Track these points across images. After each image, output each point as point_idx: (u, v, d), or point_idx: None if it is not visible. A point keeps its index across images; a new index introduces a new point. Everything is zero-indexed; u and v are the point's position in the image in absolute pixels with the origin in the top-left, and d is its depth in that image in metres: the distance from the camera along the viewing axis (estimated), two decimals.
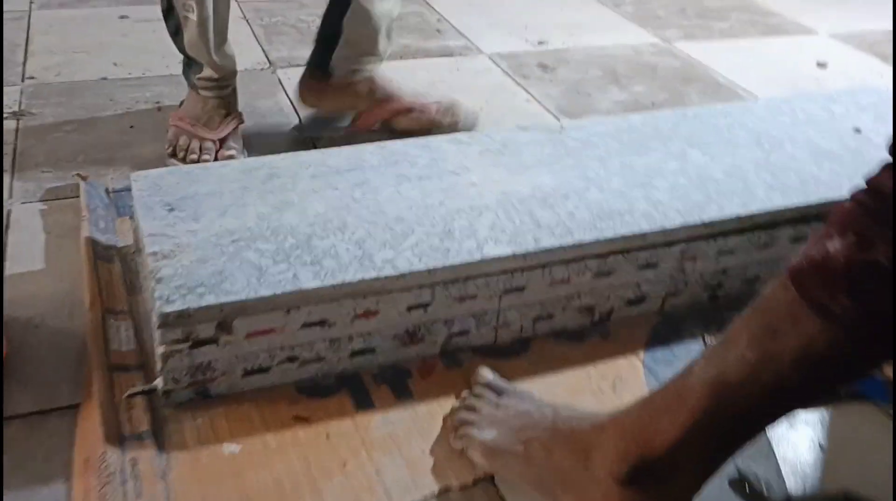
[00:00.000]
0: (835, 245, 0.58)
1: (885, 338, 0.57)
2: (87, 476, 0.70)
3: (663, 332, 0.95)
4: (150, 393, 0.79)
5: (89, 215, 1.03)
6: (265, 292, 0.76)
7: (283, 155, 1.02)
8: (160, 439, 0.75)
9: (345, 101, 1.30)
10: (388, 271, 0.80)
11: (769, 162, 1.05)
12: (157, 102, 1.35)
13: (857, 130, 1.16)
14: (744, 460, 0.76)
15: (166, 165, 1.14)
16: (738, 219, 0.94)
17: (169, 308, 0.74)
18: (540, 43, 1.75)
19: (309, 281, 0.78)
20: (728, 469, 0.75)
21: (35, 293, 0.92)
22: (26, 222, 1.04)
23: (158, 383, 0.78)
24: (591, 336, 0.93)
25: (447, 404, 0.82)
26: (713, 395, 0.63)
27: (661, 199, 0.95)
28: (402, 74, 1.42)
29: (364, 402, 0.82)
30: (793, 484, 0.76)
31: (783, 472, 0.76)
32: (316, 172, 0.98)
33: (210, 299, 0.75)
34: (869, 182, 0.60)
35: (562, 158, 1.04)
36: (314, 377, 0.84)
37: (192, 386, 0.79)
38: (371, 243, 0.84)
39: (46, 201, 1.09)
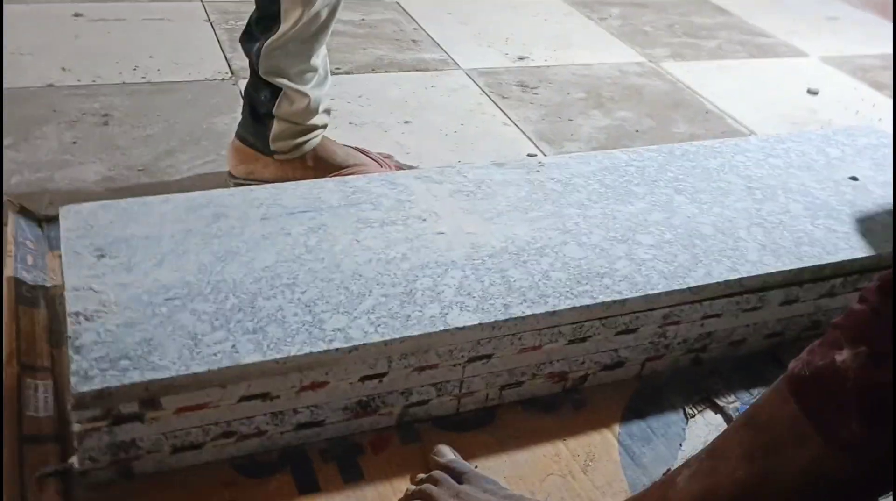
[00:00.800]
0: (844, 358, 0.51)
1: None
2: None
3: (641, 401, 0.87)
4: (64, 473, 0.70)
5: (15, 249, 0.93)
6: (198, 368, 0.67)
7: (232, 190, 0.93)
8: None
9: (285, 173, 1.13)
10: (339, 343, 0.72)
11: (761, 215, 0.98)
12: (106, 115, 1.25)
13: (854, 179, 1.09)
14: None
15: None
16: (727, 284, 0.86)
17: (85, 387, 0.65)
18: (521, 59, 1.67)
19: (249, 355, 0.69)
20: None
21: None
22: None
23: (74, 462, 0.69)
24: (564, 405, 0.85)
25: (400, 486, 0.74)
26: None
27: (645, 258, 0.88)
28: (372, 89, 1.34)
29: (308, 484, 0.73)
30: None
31: None
32: (268, 212, 0.89)
33: (134, 377, 0.66)
34: (882, 282, 0.53)
35: (540, 203, 0.96)
36: (254, 454, 0.75)
37: (114, 466, 0.70)
38: (322, 305, 0.76)
39: None
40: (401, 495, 0.73)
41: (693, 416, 0.86)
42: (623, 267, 0.86)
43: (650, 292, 0.83)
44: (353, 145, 1.18)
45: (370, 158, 1.16)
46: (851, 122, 1.56)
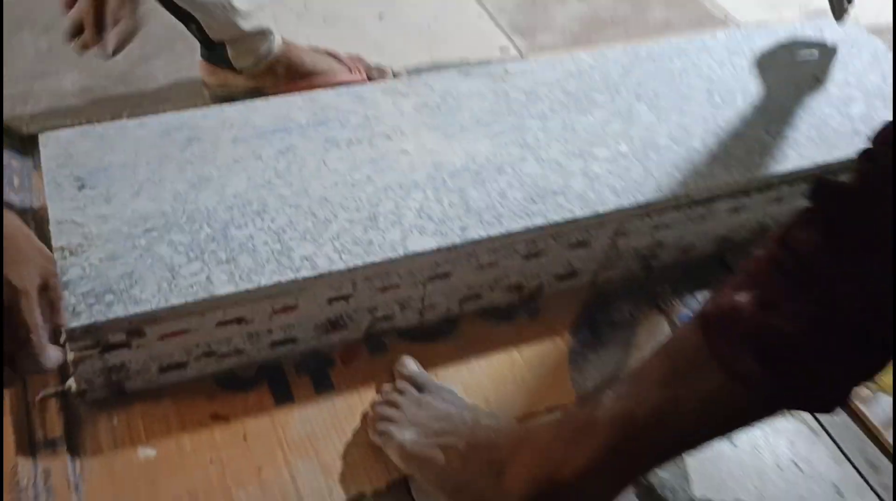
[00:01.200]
0: (741, 298, 0.57)
1: (791, 394, 0.57)
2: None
3: (592, 309, 0.94)
4: (64, 394, 0.78)
5: (2, 171, 0.97)
6: (176, 300, 0.74)
7: (205, 111, 0.96)
8: (74, 444, 0.75)
9: (257, 83, 1.15)
10: (307, 272, 0.78)
11: (717, 123, 1.01)
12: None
13: (817, 79, 1.12)
14: None
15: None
16: (675, 198, 0.91)
17: (75, 323, 0.71)
18: None
19: (223, 286, 0.75)
20: None
21: None
22: None
23: (71, 384, 0.77)
24: (520, 314, 0.93)
25: (367, 395, 0.82)
26: (619, 431, 0.63)
27: (599, 173, 0.92)
28: None
29: (284, 396, 0.82)
30: (699, 489, 0.78)
31: (691, 477, 0.78)
32: (239, 134, 0.92)
33: (118, 311, 0.72)
34: (785, 232, 0.58)
35: (502, 115, 0.99)
36: (234, 369, 0.83)
37: (107, 386, 0.78)
38: (291, 233, 0.81)
39: None
40: (368, 403, 0.81)
41: (640, 320, 0.94)
42: (577, 184, 0.90)
43: (600, 209, 0.88)
44: (322, 48, 1.19)
45: (340, 61, 1.18)
46: None
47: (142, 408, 0.79)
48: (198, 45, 1.14)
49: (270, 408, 0.80)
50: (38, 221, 0.94)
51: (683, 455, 0.78)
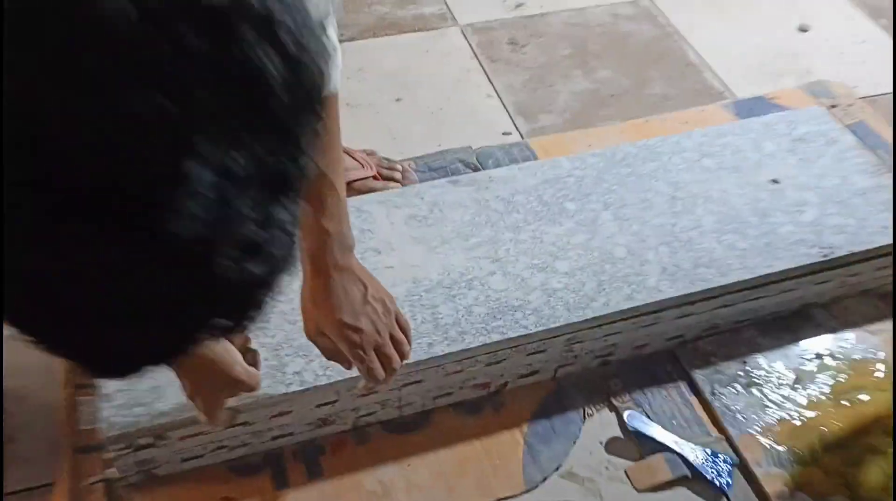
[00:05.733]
0: None
1: None
2: None
3: (549, 402, 1.09)
4: (106, 480, 0.98)
5: None
6: (191, 412, 0.93)
7: None
8: None
9: None
10: (296, 387, 0.96)
11: (674, 232, 1.14)
12: None
13: (775, 181, 1.23)
14: None
15: None
16: (621, 312, 1.05)
17: (111, 432, 0.91)
18: (517, 6, 1.76)
19: (229, 401, 0.94)
20: None
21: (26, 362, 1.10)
22: None
23: (111, 472, 0.97)
24: (486, 407, 1.08)
25: (351, 483, 1.00)
26: None
27: (556, 288, 1.07)
28: (370, 59, 1.49)
29: (282, 481, 1.00)
30: None
31: None
32: None
33: (146, 421, 0.92)
34: None
35: (480, 227, 1.14)
36: (243, 456, 1.02)
37: (140, 473, 0.98)
38: (286, 350, 0.99)
39: None
40: (350, 490, 0.99)
41: (591, 415, 1.08)
42: (535, 299, 1.05)
43: (552, 325, 1.03)
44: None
45: (354, 159, 1.34)
46: (834, 69, 1.62)
47: (168, 490, 0.98)
48: None
49: (271, 492, 0.99)
50: None
51: None
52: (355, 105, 1.51)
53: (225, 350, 0.82)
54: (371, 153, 1.38)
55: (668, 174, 1.24)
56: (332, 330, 0.84)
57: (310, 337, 0.87)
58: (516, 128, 1.48)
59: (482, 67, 1.61)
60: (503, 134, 1.46)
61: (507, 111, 1.51)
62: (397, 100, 1.52)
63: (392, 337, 0.86)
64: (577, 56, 1.64)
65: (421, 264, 1.10)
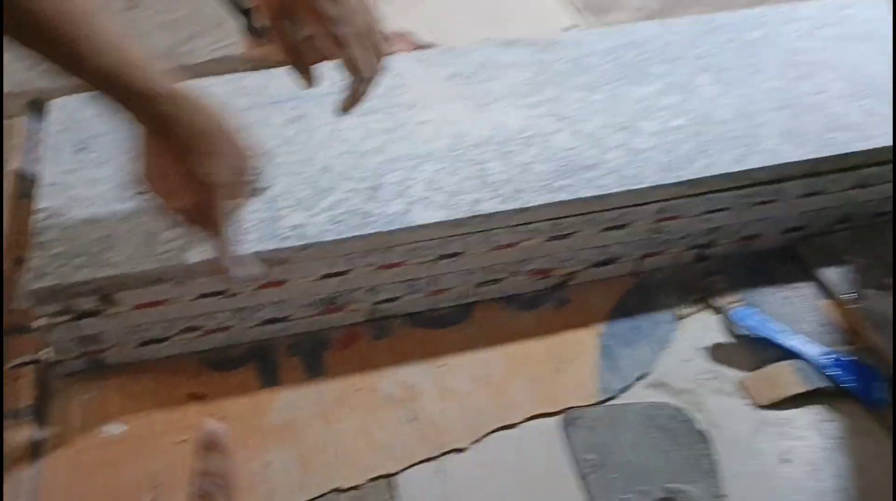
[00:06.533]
0: None
1: None
2: None
3: (632, 301, 0.83)
4: (38, 363, 0.74)
5: (26, 142, 0.96)
6: (147, 265, 0.68)
7: (223, 79, 0.91)
8: (42, 415, 0.70)
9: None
10: (291, 242, 0.71)
11: (794, 97, 0.88)
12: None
13: None
14: (678, 479, 0.66)
15: None
16: (730, 176, 0.79)
17: (38, 284, 0.67)
18: None
19: (198, 254, 0.69)
20: (655, 491, 0.65)
21: None
22: None
23: (46, 353, 0.73)
24: (545, 303, 0.82)
25: (362, 383, 0.74)
26: None
27: (642, 148, 0.81)
28: None
29: (270, 378, 0.75)
30: None
31: (727, 497, 0.66)
32: (252, 102, 0.87)
33: (85, 274, 0.68)
34: None
35: (541, 87, 0.89)
36: (220, 347, 0.77)
37: (84, 357, 0.73)
38: (284, 201, 0.75)
39: None
40: (360, 392, 0.73)
41: (686, 317, 0.81)
42: (615, 158, 0.80)
43: (637, 186, 0.77)
44: None
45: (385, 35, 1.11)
46: None
47: (119, 383, 0.73)
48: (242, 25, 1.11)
49: (254, 390, 0.73)
50: None
51: (720, 470, 0.67)
52: None
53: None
54: (405, 36, 1.15)
55: (778, 41, 0.97)
56: None
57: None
58: (585, 24, 1.23)
59: None
60: (568, 29, 1.22)
61: (575, 7, 1.27)
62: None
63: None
64: None
65: (465, 120, 0.85)
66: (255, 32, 1.09)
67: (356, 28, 0.65)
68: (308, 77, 0.72)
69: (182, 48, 1.15)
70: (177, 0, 1.26)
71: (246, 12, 1.07)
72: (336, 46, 0.66)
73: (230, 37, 1.17)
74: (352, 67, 0.67)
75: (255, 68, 1.10)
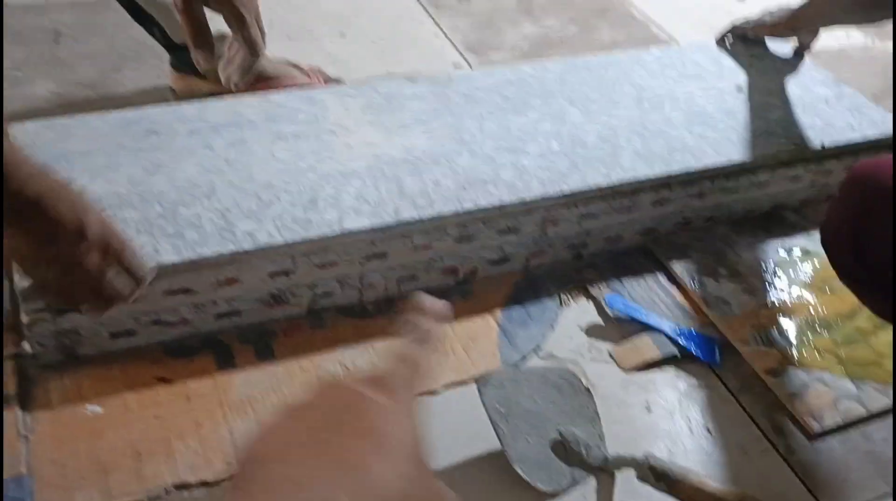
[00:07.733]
0: None
1: None
2: None
3: (523, 291, 1.01)
4: (19, 356, 0.83)
5: None
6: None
7: (163, 107, 1.03)
8: (25, 400, 0.80)
9: (221, 87, 1.19)
10: (247, 245, 0.84)
11: (643, 125, 1.09)
12: (57, 33, 1.34)
13: (739, 89, 1.20)
14: (567, 424, 0.84)
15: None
16: (599, 189, 0.99)
17: (24, 283, 0.77)
18: None
19: (168, 255, 0.82)
20: (550, 433, 0.82)
21: None
22: None
23: (25, 347, 0.83)
24: (453, 296, 0.99)
25: (307, 364, 0.88)
26: None
27: (528, 166, 0.99)
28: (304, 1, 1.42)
29: (226, 362, 0.87)
30: (613, 448, 0.83)
31: (605, 436, 0.84)
32: (194, 128, 0.99)
33: None
34: None
35: (442, 115, 1.07)
36: (180, 338, 0.89)
37: (60, 349, 0.84)
38: (236, 212, 0.88)
39: None
40: (307, 371, 0.87)
41: (568, 303, 1.00)
42: (507, 174, 0.98)
43: (526, 197, 0.95)
44: (283, 58, 1.27)
45: (300, 70, 1.26)
46: None
47: (92, 371, 0.84)
48: (166, 55, 1.22)
49: (213, 372, 0.86)
50: None
51: (600, 417, 0.84)
52: (296, 36, 1.43)
53: None
54: (318, 70, 1.30)
55: (631, 79, 1.19)
56: None
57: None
58: (466, 62, 1.42)
59: (426, 11, 1.55)
60: (453, 65, 1.40)
61: (457, 48, 1.45)
62: (341, 34, 1.45)
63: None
64: (523, 5, 1.61)
65: (380, 144, 1.00)
66: (180, 67, 1.21)
67: (256, 12, 0.82)
68: (211, 59, 0.85)
69: (109, 79, 1.25)
70: (93, 34, 1.35)
71: (173, 48, 1.19)
72: (238, 25, 0.82)
73: (153, 69, 1.28)
74: (250, 44, 0.83)
75: (180, 99, 1.22)
